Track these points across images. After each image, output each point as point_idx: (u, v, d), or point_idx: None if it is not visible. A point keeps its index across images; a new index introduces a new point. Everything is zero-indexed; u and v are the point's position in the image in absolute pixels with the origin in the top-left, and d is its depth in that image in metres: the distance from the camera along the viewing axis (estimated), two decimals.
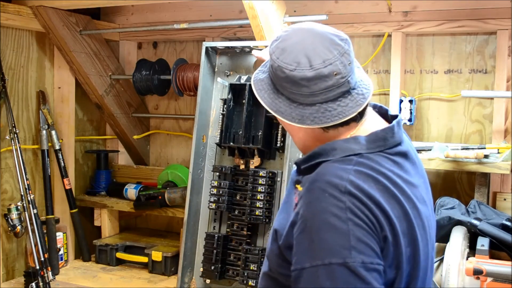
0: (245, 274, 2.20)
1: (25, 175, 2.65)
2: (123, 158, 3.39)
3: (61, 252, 2.94)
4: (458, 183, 2.60)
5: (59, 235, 2.93)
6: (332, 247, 1.03)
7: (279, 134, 2.25)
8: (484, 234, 2.05)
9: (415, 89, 2.68)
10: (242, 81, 2.35)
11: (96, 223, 3.20)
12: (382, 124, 1.23)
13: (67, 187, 2.98)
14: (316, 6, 2.73)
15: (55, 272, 2.82)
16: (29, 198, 2.63)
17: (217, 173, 2.35)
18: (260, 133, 2.24)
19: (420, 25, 2.55)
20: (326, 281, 1.02)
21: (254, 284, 2.17)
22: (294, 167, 1.27)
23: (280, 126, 2.23)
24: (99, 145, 3.36)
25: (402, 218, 1.10)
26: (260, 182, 2.22)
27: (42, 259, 2.61)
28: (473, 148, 2.29)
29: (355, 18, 2.66)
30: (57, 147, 2.93)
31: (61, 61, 2.99)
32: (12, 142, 2.64)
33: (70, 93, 3.04)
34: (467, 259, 1.95)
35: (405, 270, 1.11)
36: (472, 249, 2.01)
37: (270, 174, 2.22)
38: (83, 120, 3.23)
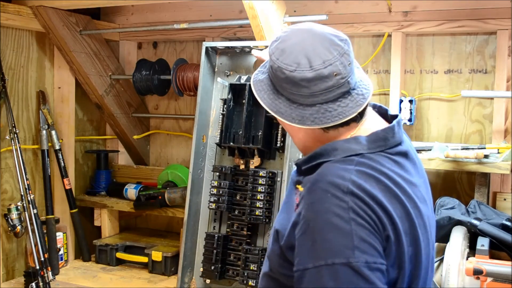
0: (245, 274, 2.20)
1: (25, 175, 2.65)
2: (123, 158, 3.39)
3: (61, 252, 2.94)
4: (458, 183, 2.60)
5: (59, 235, 2.93)
6: (335, 247, 1.03)
7: (279, 134, 2.25)
8: (484, 234, 2.05)
9: (415, 89, 2.68)
10: (242, 81, 2.35)
11: (96, 223, 3.20)
12: (382, 124, 1.23)
13: (67, 187, 2.98)
14: (316, 6, 2.73)
15: (55, 272, 2.82)
16: (29, 198, 2.63)
17: (217, 173, 2.35)
18: (260, 133, 2.24)
19: (420, 25, 2.55)
20: (330, 281, 1.02)
21: (254, 284, 2.17)
22: (294, 168, 1.27)
23: (280, 126, 2.23)
24: (99, 145, 3.36)
25: (404, 218, 1.10)
26: (260, 182, 2.22)
27: (42, 259, 2.61)
28: (473, 148, 2.29)
29: (355, 18, 2.66)
30: (57, 147, 2.93)
31: (61, 61, 2.99)
32: (12, 142, 2.64)
33: (70, 93, 3.04)
34: (467, 259, 1.95)
35: (407, 270, 1.11)
36: (472, 249, 2.01)
37: (270, 174, 2.22)
38: (83, 120, 3.23)
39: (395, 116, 1.26)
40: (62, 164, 2.95)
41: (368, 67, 2.74)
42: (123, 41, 3.30)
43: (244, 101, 2.28)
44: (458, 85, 2.60)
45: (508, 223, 2.08)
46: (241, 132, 2.27)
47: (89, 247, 3.08)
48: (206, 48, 2.37)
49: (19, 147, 2.65)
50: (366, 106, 1.18)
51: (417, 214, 1.13)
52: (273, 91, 1.19)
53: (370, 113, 1.23)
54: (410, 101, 2.56)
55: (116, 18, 3.29)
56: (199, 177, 2.40)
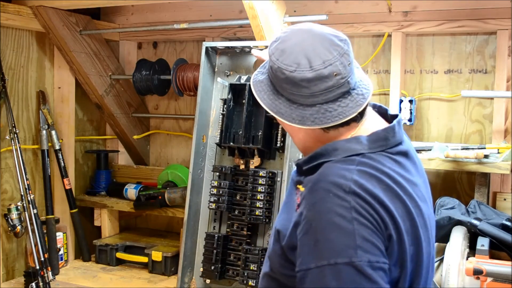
0: (245, 274, 2.20)
1: (25, 175, 2.65)
2: (123, 158, 3.39)
3: (61, 252, 2.94)
4: (458, 183, 2.60)
5: (59, 235, 2.93)
6: (337, 247, 1.03)
7: (279, 134, 2.25)
8: (484, 234, 2.05)
9: (415, 89, 2.68)
10: (242, 81, 2.35)
11: (96, 223, 3.20)
12: (382, 123, 1.24)
13: (67, 187, 2.98)
14: (316, 6, 2.73)
15: (55, 272, 2.82)
16: (29, 198, 2.63)
17: (217, 173, 2.35)
18: (260, 133, 2.24)
19: (420, 25, 2.55)
20: (332, 281, 1.02)
21: (254, 284, 2.17)
22: (294, 168, 1.27)
23: (280, 126, 2.23)
24: (99, 145, 3.36)
25: (406, 217, 1.10)
26: (260, 182, 2.22)
27: (42, 259, 2.61)
28: (473, 148, 2.29)
29: (355, 18, 2.66)
30: (57, 147, 2.93)
31: (61, 61, 2.99)
32: (12, 142, 2.64)
33: (70, 93, 3.04)
34: (467, 259, 1.95)
35: (409, 269, 1.11)
36: (472, 249, 2.01)
37: (270, 174, 2.22)
38: (83, 120, 3.23)
39: (395, 116, 1.26)
40: (62, 164, 2.95)
41: (368, 67, 2.74)
42: (123, 41, 3.30)
43: (244, 101, 2.28)
44: (458, 85, 2.60)
45: (508, 223, 2.08)
46: (241, 132, 2.27)
47: (89, 247, 3.08)
48: (206, 48, 2.37)
49: (19, 147, 2.65)
50: (366, 106, 1.19)
51: (418, 213, 1.14)
52: (273, 92, 1.19)
53: (370, 113, 1.23)
54: (410, 101, 2.56)
55: (116, 18, 3.29)
56: (199, 177, 2.40)
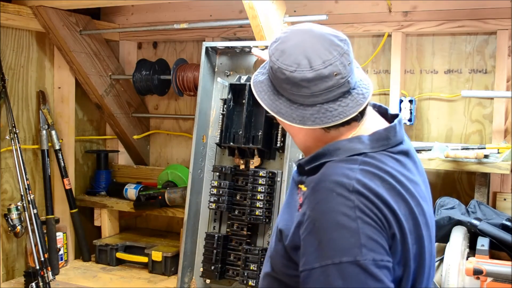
0: (245, 274, 2.20)
1: (25, 175, 2.65)
2: (123, 158, 3.39)
3: (61, 252, 2.94)
4: (458, 183, 2.60)
5: (59, 235, 2.93)
6: (342, 246, 1.03)
7: (279, 134, 2.25)
8: (484, 234, 2.05)
9: (415, 89, 2.68)
10: (242, 81, 2.35)
11: (96, 223, 3.20)
12: (382, 123, 1.24)
13: (67, 187, 2.98)
14: (316, 6, 2.73)
15: (55, 272, 2.83)
16: (29, 198, 2.63)
17: (217, 173, 2.35)
18: (260, 133, 2.24)
19: (420, 25, 2.55)
20: (337, 280, 1.02)
21: (254, 284, 2.17)
22: (294, 167, 1.27)
23: (280, 126, 2.23)
24: (99, 145, 3.36)
25: (408, 216, 1.11)
26: (260, 182, 2.22)
27: (42, 259, 2.61)
28: (473, 148, 2.29)
29: (355, 18, 2.66)
30: (57, 147, 2.93)
31: (61, 61, 2.99)
32: (12, 142, 2.64)
33: (70, 93, 3.04)
34: (467, 259, 1.95)
35: (412, 268, 1.12)
36: (472, 249, 2.01)
37: (270, 174, 2.22)
38: (83, 120, 3.23)
39: (395, 116, 1.26)
40: (62, 164, 2.95)
41: (368, 67, 2.74)
42: (123, 41, 3.30)
43: (244, 101, 2.28)
44: (458, 85, 2.60)
45: (508, 223, 2.08)
46: (241, 132, 2.27)
47: (89, 247, 3.08)
48: (206, 48, 2.37)
49: (19, 147, 2.65)
50: (367, 105, 1.19)
51: (420, 212, 1.14)
52: (274, 92, 1.19)
53: (371, 113, 1.23)
54: (410, 101, 2.56)
55: (116, 18, 3.29)
56: (199, 177, 2.40)
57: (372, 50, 2.73)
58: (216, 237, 2.27)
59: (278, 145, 2.25)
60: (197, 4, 3.03)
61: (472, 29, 2.50)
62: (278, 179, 2.24)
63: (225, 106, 2.32)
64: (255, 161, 2.28)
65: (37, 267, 2.59)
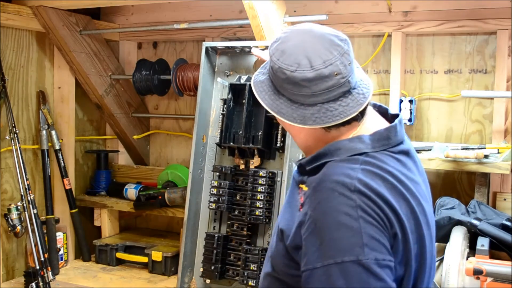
0: (245, 274, 2.20)
1: (25, 175, 2.65)
2: (123, 158, 3.39)
3: (61, 252, 2.94)
4: (458, 183, 2.60)
5: (59, 235, 2.93)
6: (344, 246, 1.03)
7: (279, 134, 2.25)
8: (484, 234, 2.05)
9: (415, 89, 2.68)
10: (242, 81, 2.35)
11: (96, 223, 3.20)
12: (383, 123, 1.24)
13: (67, 187, 2.98)
14: (316, 6, 2.73)
15: (55, 272, 2.83)
16: (29, 198, 2.63)
17: (217, 173, 2.35)
18: (260, 133, 2.24)
19: (420, 25, 2.55)
20: (339, 279, 1.02)
21: (254, 284, 2.17)
22: (295, 167, 1.27)
23: (280, 126, 2.23)
24: (99, 145, 3.36)
25: (410, 216, 1.11)
26: (260, 182, 2.22)
27: (42, 259, 2.61)
28: (473, 148, 2.29)
29: (355, 18, 2.66)
30: (57, 147, 2.93)
31: (61, 61, 2.99)
32: (12, 142, 2.64)
33: (70, 93, 3.04)
34: (467, 259, 1.95)
35: (413, 267, 1.12)
36: (472, 249, 2.01)
37: (270, 174, 2.22)
38: (83, 120, 3.23)
39: (396, 115, 1.26)
40: (62, 164, 2.95)
41: (368, 67, 2.74)
42: (123, 41, 3.30)
43: (244, 101, 2.28)
44: (458, 85, 2.60)
45: (508, 223, 2.08)
46: (241, 132, 2.27)
47: (89, 247, 3.08)
48: (206, 48, 2.37)
49: (19, 147, 2.65)
50: (367, 105, 1.19)
51: (421, 212, 1.14)
52: (274, 92, 1.19)
53: (371, 113, 1.23)
54: (410, 101, 2.56)
55: (116, 18, 3.29)
56: (199, 177, 2.40)
57: (372, 50, 2.73)
58: (216, 237, 2.27)
59: (278, 145, 2.25)
60: (197, 4, 3.03)
61: (472, 29, 2.50)
62: (278, 179, 2.24)
63: (225, 106, 2.32)
64: (255, 161, 2.28)
65: (37, 267, 2.59)
